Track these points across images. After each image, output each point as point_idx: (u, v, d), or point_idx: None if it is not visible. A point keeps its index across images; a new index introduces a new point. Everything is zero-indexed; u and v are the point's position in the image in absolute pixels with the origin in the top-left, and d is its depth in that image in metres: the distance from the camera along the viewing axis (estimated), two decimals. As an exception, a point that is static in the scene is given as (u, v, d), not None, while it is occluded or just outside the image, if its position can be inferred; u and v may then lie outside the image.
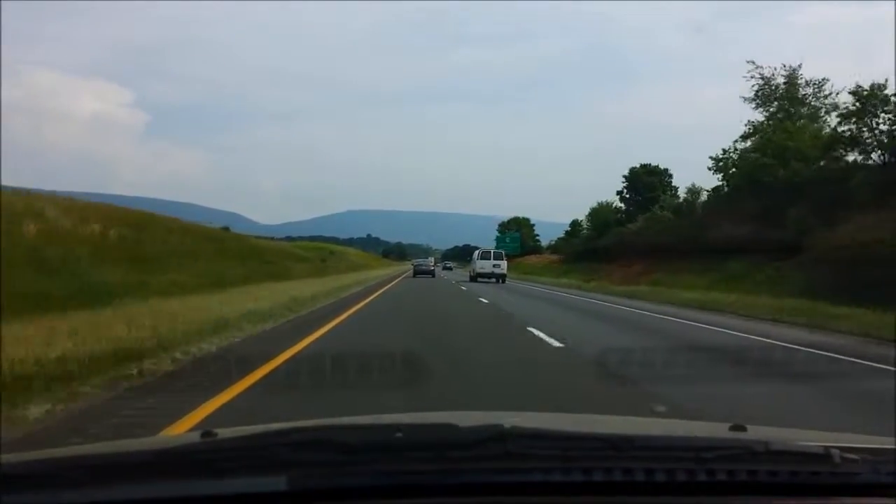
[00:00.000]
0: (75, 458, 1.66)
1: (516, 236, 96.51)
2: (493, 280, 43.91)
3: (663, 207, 55.22)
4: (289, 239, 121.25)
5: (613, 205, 75.93)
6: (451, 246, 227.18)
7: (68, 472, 1.45)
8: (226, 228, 68.93)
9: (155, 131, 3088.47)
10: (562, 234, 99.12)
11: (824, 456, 1.49)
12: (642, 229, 51.64)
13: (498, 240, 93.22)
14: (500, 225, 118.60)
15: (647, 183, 67.86)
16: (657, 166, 70.74)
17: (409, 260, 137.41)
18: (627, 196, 70.84)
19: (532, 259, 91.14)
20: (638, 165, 70.69)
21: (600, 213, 75.64)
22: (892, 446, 1.67)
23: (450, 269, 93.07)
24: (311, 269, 47.01)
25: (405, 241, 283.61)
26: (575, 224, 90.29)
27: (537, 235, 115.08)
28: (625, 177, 71.00)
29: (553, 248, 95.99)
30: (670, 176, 70.55)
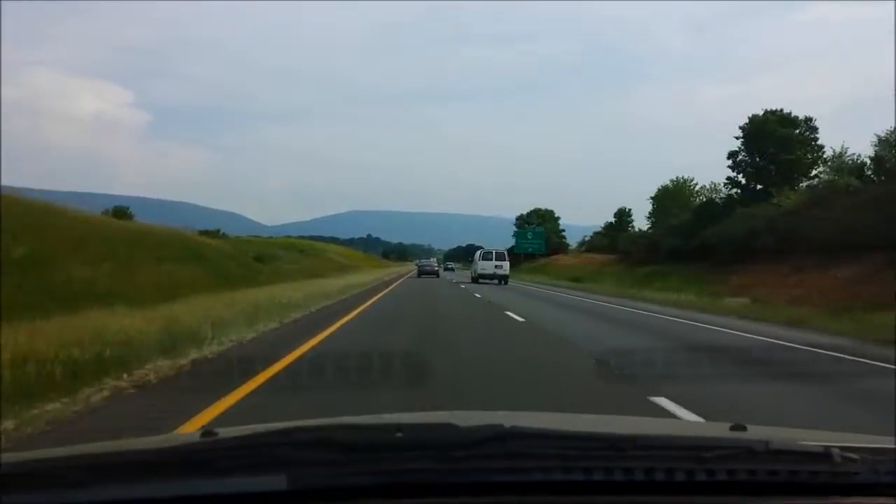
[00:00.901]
0: (75, 458, 1.66)
1: (540, 231, 78.48)
2: (496, 281, 43.21)
3: (840, 169, 37.55)
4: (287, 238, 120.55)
5: (692, 182, 59.09)
6: (453, 246, 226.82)
7: (68, 472, 1.45)
8: (121, 210, 42.25)
9: (155, 131, 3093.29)
10: (590, 233, 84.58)
11: (824, 456, 1.49)
12: (804, 208, 32.91)
13: (517, 236, 79.14)
14: (517, 218, 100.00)
15: (780, 138, 45.15)
16: (790, 113, 47.12)
17: (411, 260, 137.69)
18: (747, 159, 47.23)
19: (565, 259, 74.95)
20: (762, 112, 46.95)
21: (673, 196, 58.55)
22: (892, 446, 1.68)
23: (451, 269, 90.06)
24: (204, 276, 25.15)
25: (406, 241, 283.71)
26: (622, 214, 74.77)
27: (563, 231, 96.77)
28: (742, 129, 47.19)
29: (588, 246, 79.42)
30: (814, 128, 47.04)
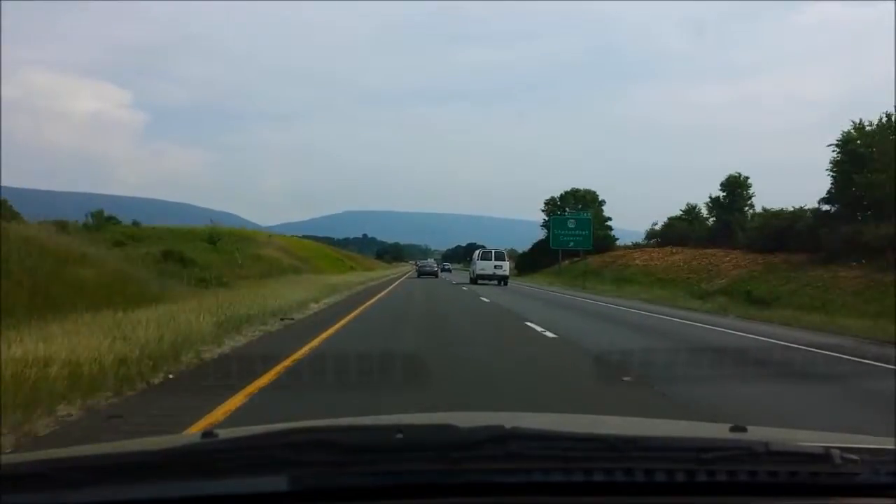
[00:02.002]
0: (75, 458, 1.66)
1: (587, 220, 56.95)
2: (495, 282, 42.00)
3: None
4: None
5: None
6: (451, 246, 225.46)
7: (68, 472, 1.45)
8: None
9: (153, 132, 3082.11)
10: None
11: (824, 456, 1.49)
12: None
13: (553, 224, 58.49)
14: (546, 204, 74.81)
15: None
16: None
17: (406, 261, 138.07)
18: None
19: (644, 255, 52.03)
20: None
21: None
22: (892, 446, 1.68)
23: (448, 270, 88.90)
24: None
25: (403, 241, 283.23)
26: (736, 184, 52.15)
27: (609, 220, 70.62)
28: None
29: (660, 237, 56.96)
30: None
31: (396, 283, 41.91)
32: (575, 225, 55.36)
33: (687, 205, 58.17)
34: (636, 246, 60.22)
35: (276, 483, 1.40)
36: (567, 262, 57.91)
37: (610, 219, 71.45)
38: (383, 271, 71.59)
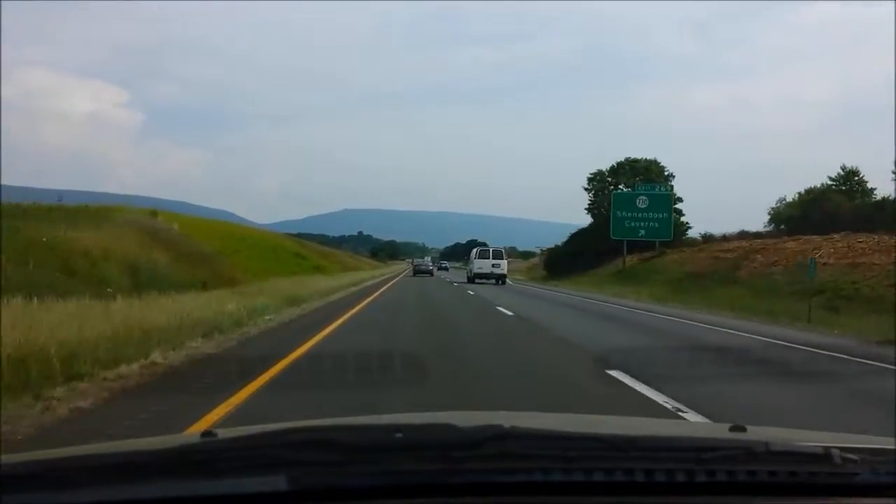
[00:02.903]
0: (75, 458, 1.66)
1: (664, 197, 42.19)
2: (493, 281, 40.97)
3: None
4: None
5: None
6: (450, 244, 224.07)
7: (68, 472, 1.45)
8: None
9: (150, 131, 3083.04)
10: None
11: (824, 456, 1.49)
12: None
13: (616, 203, 42.70)
14: (591, 181, 55.74)
15: None
16: None
17: (403, 259, 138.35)
18: None
19: (830, 249, 26.54)
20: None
21: None
22: (892, 446, 1.68)
23: (445, 269, 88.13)
24: None
25: (401, 239, 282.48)
26: None
27: (680, 202, 50.19)
28: None
29: (796, 221, 36.40)
30: None
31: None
32: (647, 204, 39.78)
33: (842, 168, 39.96)
34: (762, 235, 37.55)
35: (276, 483, 1.39)
36: (635, 258, 41.06)
37: (681, 199, 50.61)
38: (366, 273, 53.47)
